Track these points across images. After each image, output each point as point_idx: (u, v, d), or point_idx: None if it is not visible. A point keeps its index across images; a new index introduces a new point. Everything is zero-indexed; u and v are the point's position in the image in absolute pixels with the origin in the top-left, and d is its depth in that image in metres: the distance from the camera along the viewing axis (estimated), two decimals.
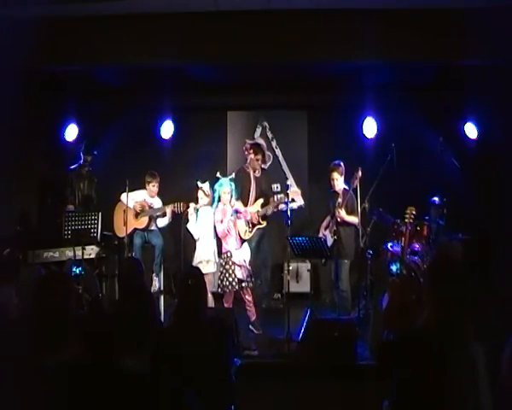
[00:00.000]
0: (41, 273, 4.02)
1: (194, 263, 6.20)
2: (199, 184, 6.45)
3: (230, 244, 6.10)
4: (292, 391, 4.63)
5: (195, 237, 6.35)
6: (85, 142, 7.34)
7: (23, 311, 3.27)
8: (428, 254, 6.37)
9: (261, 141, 6.94)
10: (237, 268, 6.00)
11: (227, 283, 5.96)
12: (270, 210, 6.60)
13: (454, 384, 2.38)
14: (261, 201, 6.67)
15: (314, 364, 4.98)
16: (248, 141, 7.01)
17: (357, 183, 6.07)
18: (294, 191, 6.55)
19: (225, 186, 6.16)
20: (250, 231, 6.56)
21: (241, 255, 6.09)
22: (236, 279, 5.97)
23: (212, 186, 6.41)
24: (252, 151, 6.75)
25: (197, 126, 8.21)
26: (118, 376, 2.18)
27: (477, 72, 6.48)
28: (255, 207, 6.65)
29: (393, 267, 6.09)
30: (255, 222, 6.58)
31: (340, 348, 5.03)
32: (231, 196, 6.19)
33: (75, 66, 6.27)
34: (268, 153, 7.15)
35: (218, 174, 6.67)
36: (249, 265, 6.12)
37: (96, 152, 7.35)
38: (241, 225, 6.45)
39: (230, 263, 6.00)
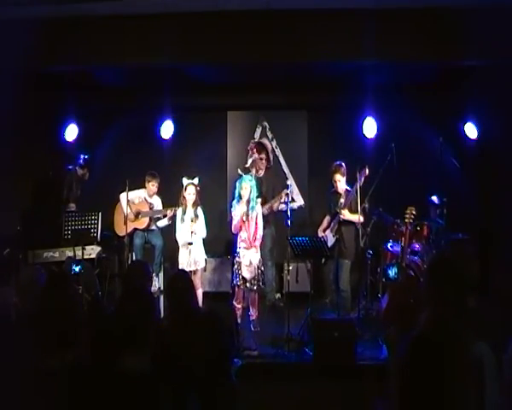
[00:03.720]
0: (41, 273, 4.01)
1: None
2: (185, 180, 6.34)
3: (241, 243, 6.10)
4: (292, 391, 4.64)
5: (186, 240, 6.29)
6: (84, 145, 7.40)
7: (23, 311, 3.27)
8: (428, 254, 6.38)
9: (265, 141, 6.97)
10: (244, 268, 6.01)
11: (236, 281, 6.02)
12: (266, 210, 6.66)
13: (455, 385, 2.38)
14: (259, 200, 6.71)
15: (314, 364, 4.98)
16: (252, 141, 7.10)
17: (362, 181, 6.07)
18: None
19: (244, 182, 6.10)
20: None
21: (249, 256, 6.05)
22: (242, 278, 5.98)
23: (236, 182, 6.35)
24: (255, 150, 6.89)
25: (197, 126, 8.21)
26: (119, 376, 2.18)
27: (477, 72, 6.48)
28: None
29: (391, 272, 6.09)
30: None
31: (340, 348, 5.03)
32: (251, 192, 6.07)
33: (75, 66, 6.26)
34: (272, 154, 7.18)
35: (239, 171, 6.71)
36: (258, 267, 6.06)
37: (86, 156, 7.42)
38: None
39: (239, 262, 6.04)
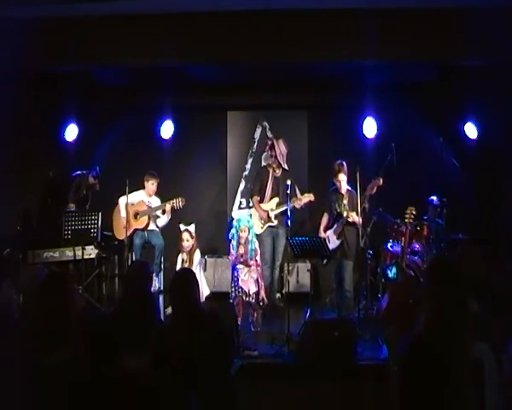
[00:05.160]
0: (43, 273, 4.01)
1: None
2: (182, 226, 6.20)
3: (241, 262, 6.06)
4: (292, 391, 4.63)
5: None
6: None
7: (24, 311, 3.27)
8: (428, 254, 6.38)
9: (280, 143, 6.97)
10: (244, 282, 5.98)
11: (235, 292, 6.00)
12: (281, 210, 6.68)
13: (455, 385, 2.38)
14: (277, 200, 6.74)
15: (314, 364, 4.98)
16: (269, 138, 7.33)
17: (374, 190, 6.07)
18: (307, 196, 6.66)
19: (243, 225, 6.01)
20: (261, 228, 6.68)
21: (249, 272, 6.00)
22: (242, 292, 5.97)
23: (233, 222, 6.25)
24: (268, 147, 6.98)
25: (197, 126, 8.21)
26: (119, 376, 2.18)
27: (477, 72, 6.48)
28: (270, 205, 6.75)
29: (390, 272, 6.08)
30: (266, 219, 6.69)
31: (340, 348, 5.03)
32: (249, 231, 6.00)
33: (75, 66, 6.27)
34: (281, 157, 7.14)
35: (234, 213, 6.60)
36: (258, 282, 6.02)
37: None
38: (255, 222, 6.57)
39: (237, 277, 6.01)
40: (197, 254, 6.25)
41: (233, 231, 6.11)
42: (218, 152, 8.42)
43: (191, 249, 6.19)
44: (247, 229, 6.00)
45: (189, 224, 6.25)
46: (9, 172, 6.66)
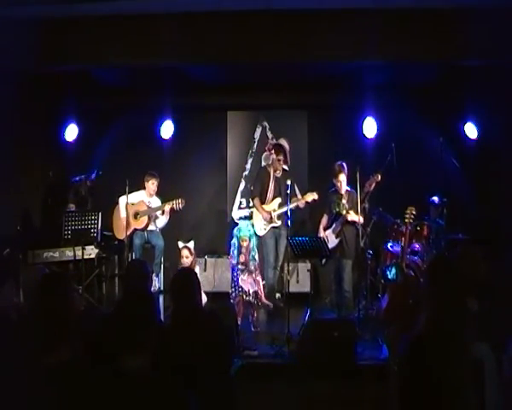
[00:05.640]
0: (44, 273, 4.01)
1: None
2: (181, 243, 6.10)
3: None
4: (292, 391, 4.63)
5: None
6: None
7: (25, 311, 3.27)
8: (428, 254, 6.38)
9: (283, 142, 6.93)
10: (243, 281, 6.02)
11: (235, 291, 6.05)
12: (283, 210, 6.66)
13: (455, 385, 2.38)
14: (279, 200, 6.74)
15: (314, 364, 4.98)
16: (271, 141, 7.15)
17: (374, 187, 6.07)
18: (310, 194, 6.66)
19: (244, 234, 6.05)
20: (265, 229, 6.68)
21: (249, 271, 6.08)
22: (242, 291, 6.00)
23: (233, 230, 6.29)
24: (273, 151, 6.87)
25: (197, 126, 8.21)
26: (118, 376, 2.18)
27: (477, 72, 6.48)
28: (272, 205, 6.75)
29: (389, 273, 6.07)
30: (269, 220, 6.68)
31: (340, 348, 5.03)
32: (250, 241, 6.06)
33: (75, 66, 6.27)
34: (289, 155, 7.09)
35: (234, 217, 6.54)
36: (256, 280, 6.08)
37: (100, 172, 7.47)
38: (258, 223, 6.59)
39: (236, 278, 6.06)
40: (196, 271, 6.22)
41: (234, 240, 6.16)
42: (218, 152, 8.42)
43: (190, 266, 6.14)
44: (247, 238, 6.06)
45: (188, 241, 6.14)
46: (9, 172, 6.66)
